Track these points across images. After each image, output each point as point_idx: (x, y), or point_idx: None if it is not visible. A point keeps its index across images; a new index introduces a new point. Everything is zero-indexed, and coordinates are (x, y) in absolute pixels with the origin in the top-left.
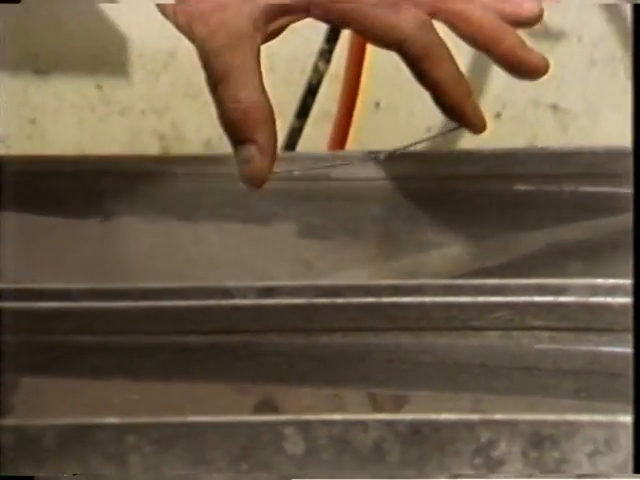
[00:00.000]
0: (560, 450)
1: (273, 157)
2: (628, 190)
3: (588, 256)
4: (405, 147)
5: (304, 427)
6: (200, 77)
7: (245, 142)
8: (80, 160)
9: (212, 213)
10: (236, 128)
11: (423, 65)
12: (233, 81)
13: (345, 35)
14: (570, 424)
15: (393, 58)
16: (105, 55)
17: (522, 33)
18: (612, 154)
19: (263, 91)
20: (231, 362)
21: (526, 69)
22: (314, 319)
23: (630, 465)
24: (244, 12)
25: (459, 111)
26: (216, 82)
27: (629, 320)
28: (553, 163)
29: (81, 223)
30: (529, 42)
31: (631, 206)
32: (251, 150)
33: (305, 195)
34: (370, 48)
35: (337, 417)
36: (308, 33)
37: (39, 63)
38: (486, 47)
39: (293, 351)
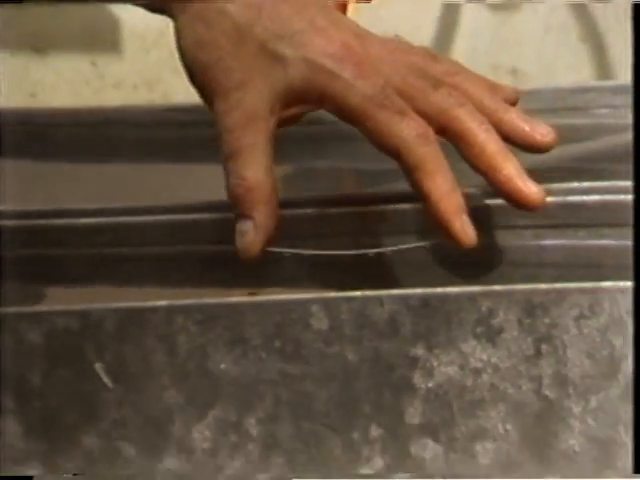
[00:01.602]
0: (550, 316)
1: (267, 235)
2: (586, 120)
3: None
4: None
5: (328, 304)
6: None
7: (244, 217)
8: (77, 112)
9: (193, 155)
10: (238, 203)
11: (416, 175)
12: (242, 159)
13: None
14: (559, 291)
15: None
16: (99, 33)
17: None
18: (573, 90)
19: (269, 172)
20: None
21: (518, 200)
22: None
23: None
24: (262, 94)
25: (446, 225)
26: (227, 156)
27: (602, 215)
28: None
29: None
30: (492, 7)
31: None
32: (247, 225)
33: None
34: None
35: (357, 294)
36: None
37: (38, 42)
38: (484, 173)
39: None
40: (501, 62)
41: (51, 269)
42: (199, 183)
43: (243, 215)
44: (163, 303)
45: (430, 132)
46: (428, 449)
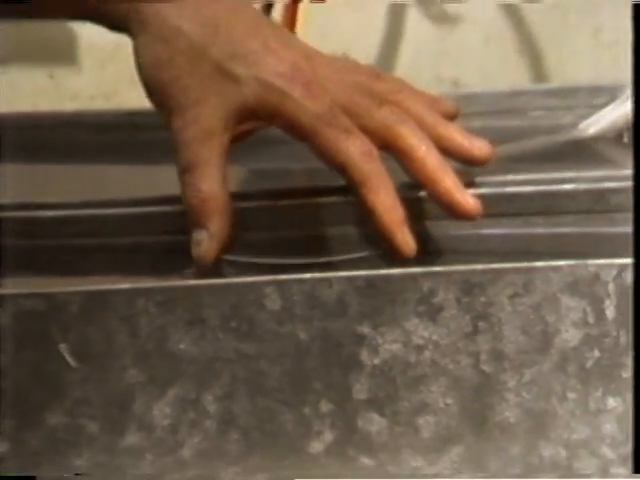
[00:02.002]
0: (486, 295)
1: (221, 244)
2: (522, 122)
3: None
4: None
5: (280, 286)
6: None
7: (199, 227)
8: (54, 115)
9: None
10: (194, 213)
11: (361, 190)
12: (198, 172)
13: None
14: (494, 271)
15: None
16: (56, 47)
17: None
18: (509, 94)
19: (223, 184)
20: None
21: (456, 211)
22: None
23: None
24: (217, 111)
25: (389, 237)
26: (183, 169)
27: (535, 205)
28: (463, 104)
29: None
30: (434, 22)
31: None
32: (202, 235)
33: None
34: None
35: (307, 276)
36: None
37: None
38: (424, 185)
39: None
40: (443, 74)
41: (17, 259)
42: (153, 181)
43: (198, 225)
44: (125, 286)
45: (374, 150)
46: (374, 423)
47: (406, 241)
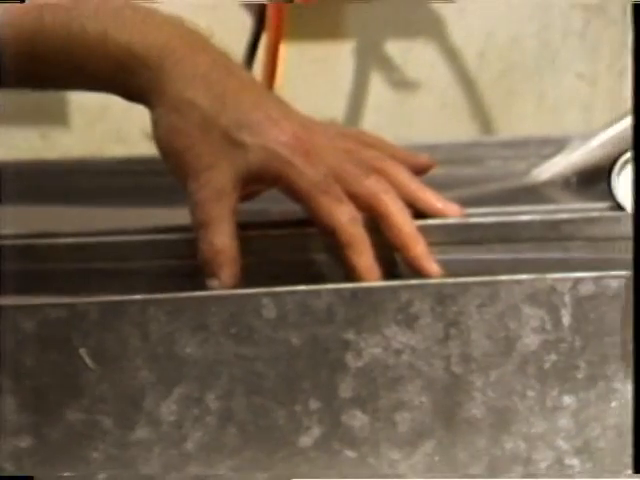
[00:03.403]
0: (457, 305)
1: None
2: (479, 170)
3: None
4: None
5: (275, 296)
6: (129, 125)
7: (212, 276)
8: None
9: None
10: (207, 264)
11: (346, 252)
12: (211, 228)
13: None
14: (464, 284)
15: None
16: (48, 109)
17: None
18: (468, 144)
19: (233, 239)
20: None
21: (422, 273)
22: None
23: None
24: (227, 175)
25: None
26: (198, 226)
27: (495, 233)
28: (426, 153)
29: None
30: (395, 88)
31: None
32: (215, 284)
33: None
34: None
35: (300, 288)
36: None
37: None
38: (398, 249)
39: None
40: (402, 135)
41: (38, 281)
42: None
43: (211, 274)
44: (138, 297)
45: (359, 217)
46: (357, 419)
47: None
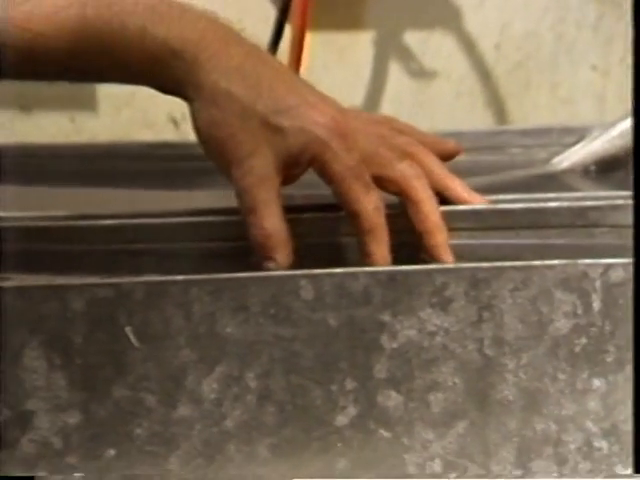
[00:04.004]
0: (491, 289)
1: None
2: (502, 157)
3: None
4: None
5: (314, 278)
6: (155, 110)
7: (267, 259)
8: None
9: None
10: (261, 248)
11: (366, 238)
12: (259, 212)
13: None
14: (498, 269)
15: None
16: (77, 93)
17: None
18: (491, 133)
19: (282, 221)
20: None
21: (436, 261)
22: None
23: None
24: (269, 160)
25: None
26: (247, 212)
27: (525, 219)
28: None
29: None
30: (413, 77)
31: None
32: (271, 265)
33: None
34: None
35: (337, 270)
36: None
37: (23, 100)
38: (421, 233)
39: None
40: (419, 124)
41: (72, 262)
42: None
43: (266, 258)
44: (181, 277)
45: (383, 207)
46: (391, 399)
47: None
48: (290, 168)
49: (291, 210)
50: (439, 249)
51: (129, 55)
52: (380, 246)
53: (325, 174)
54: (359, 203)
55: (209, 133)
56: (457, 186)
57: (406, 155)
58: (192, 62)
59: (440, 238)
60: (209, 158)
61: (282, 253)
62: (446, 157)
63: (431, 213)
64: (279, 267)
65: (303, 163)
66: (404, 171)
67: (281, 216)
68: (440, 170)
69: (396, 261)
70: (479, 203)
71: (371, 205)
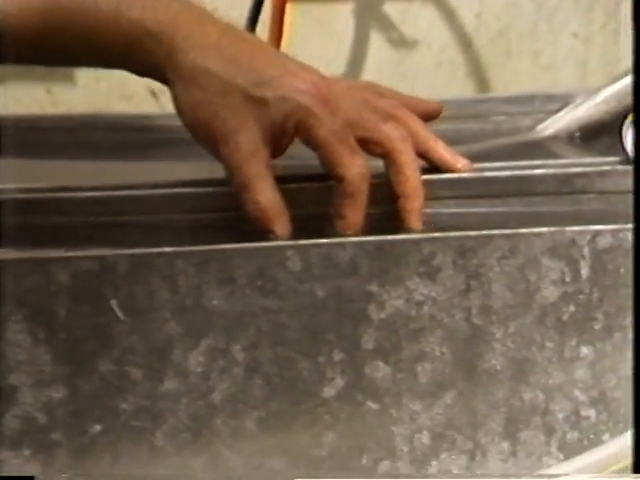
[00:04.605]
0: (478, 257)
1: (288, 239)
2: (486, 125)
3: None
4: None
5: (300, 249)
6: (134, 82)
7: (267, 232)
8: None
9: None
10: (259, 222)
11: (346, 200)
12: (252, 187)
13: None
14: (485, 237)
15: None
16: None
17: None
18: (474, 100)
19: (276, 192)
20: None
21: (406, 225)
22: None
23: None
24: (255, 133)
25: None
26: (239, 188)
27: (511, 187)
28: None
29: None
30: (394, 46)
31: None
32: (272, 238)
33: None
34: None
35: (324, 240)
36: None
37: None
38: (399, 194)
39: None
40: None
41: (55, 235)
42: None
43: (266, 231)
44: (167, 249)
45: (368, 172)
46: (379, 370)
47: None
48: (277, 139)
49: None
50: (411, 214)
51: (104, 37)
52: (354, 211)
53: (310, 140)
54: (343, 167)
55: (193, 115)
56: (440, 148)
57: (390, 117)
58: (169, 43)
59: (416, 203)
60: (197, 140)
61: (280, 225)
62: (428, 117)
63: (411, 177)
64: (280, 239)
65: (288, 131)
66: (389, 133)
67: (274, 188)
68: (424, 132)
69: (378, 230)
70: (462, 164)
71: (356, 169)
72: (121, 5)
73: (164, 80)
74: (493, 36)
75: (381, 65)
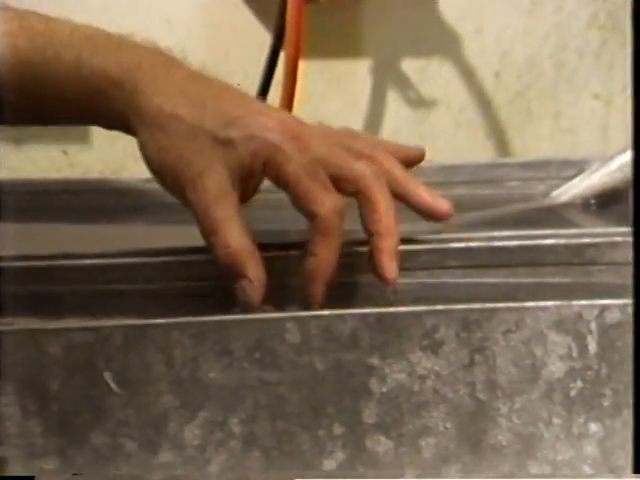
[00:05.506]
0: (482, 331)
1: (262, 285)
2: (499, 191)
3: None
4: None
5: (300, 321)
6: None
7: (238, 277)
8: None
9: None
10: (229, 267)
11: (319, 238)
12: (221, 231)
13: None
14: (489, 310)
15: None
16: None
17: None
18: (489, 165)
19: (246, 235)
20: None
21: (377, 272)
22: None
23: None
24: (222, 175)
25: (310, 284)
26: (208, 233)
27: (519, 257)
28: (448, 174)
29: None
30: (412, 106)
31: None
32: (244, 282)
33: None
34: None
35: (324, 312)
36: None
37: (16, 133)
38: (373, 235)
39: None
40: None
41: (56, 303)
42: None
43: (237, 276)
44: (162, 321)
45: (342, 208)
46: (381, 444)
47: (316, 293)
48: (246, 180)
49: (275, 248)
50: (385, 254)
51: (67, 88)
52: (327, 249)
53: (280, 178)
54: (316, 203)
55: (159, 161)
56: (419, 189)
57: (363, 156)
58: (132, 90)
59: (390, 242)
60: (164, 187)
61: (252, 268)
62: (410, 163)
63: (385, 215)
64: (253, 283)
65: (257, 171)
66: (361, 170)
67: (244, 231)
68: (401, 173)
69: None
70: (443, 208)
71: (329, 205)
72: (83, 53)
73: (129, 129)
74: (512, 96)
75: (398, 124)
